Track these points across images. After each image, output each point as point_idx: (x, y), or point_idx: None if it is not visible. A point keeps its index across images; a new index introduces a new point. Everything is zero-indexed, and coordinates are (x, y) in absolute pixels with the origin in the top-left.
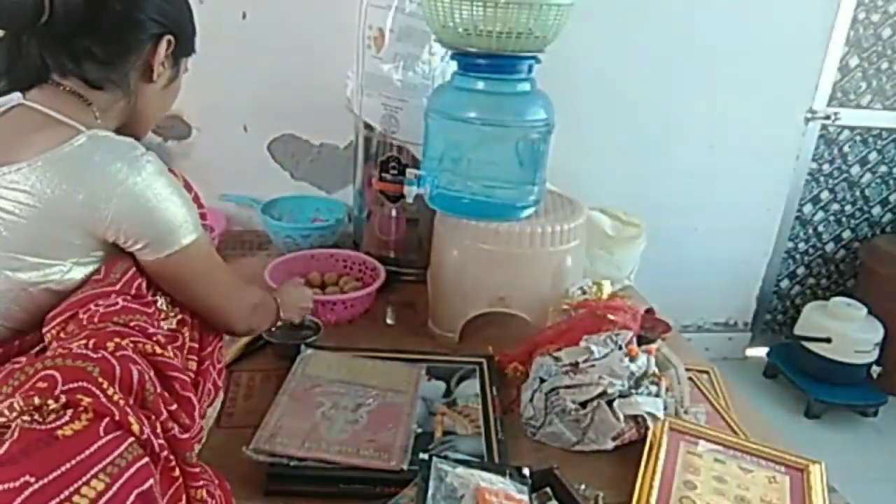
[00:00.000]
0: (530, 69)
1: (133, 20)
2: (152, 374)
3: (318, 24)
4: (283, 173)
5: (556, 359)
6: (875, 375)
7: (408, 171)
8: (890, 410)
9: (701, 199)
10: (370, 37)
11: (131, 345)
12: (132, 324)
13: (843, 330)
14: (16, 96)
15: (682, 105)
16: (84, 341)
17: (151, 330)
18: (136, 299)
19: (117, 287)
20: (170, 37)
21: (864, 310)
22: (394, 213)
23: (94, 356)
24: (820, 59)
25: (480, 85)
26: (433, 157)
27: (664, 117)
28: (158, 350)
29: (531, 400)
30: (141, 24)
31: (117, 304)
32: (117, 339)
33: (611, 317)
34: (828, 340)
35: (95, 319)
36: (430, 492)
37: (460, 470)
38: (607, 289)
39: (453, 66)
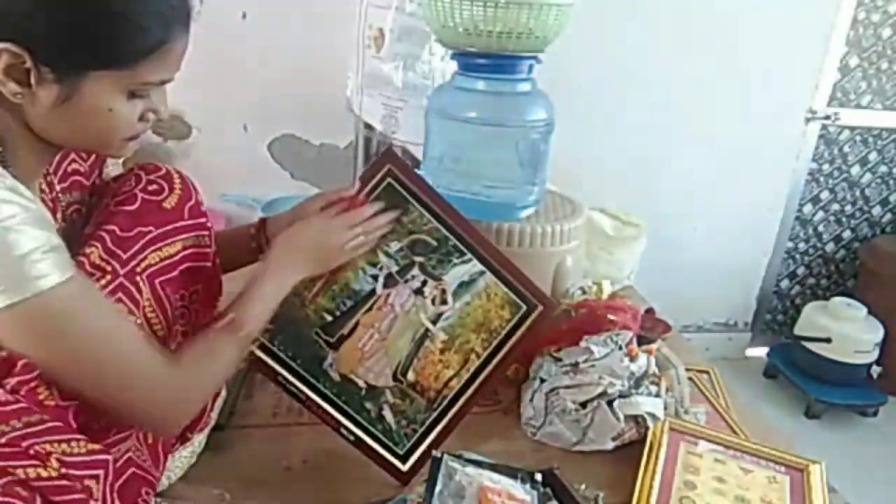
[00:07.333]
0: (530, 69)
1: None
2: None
3: (318, 24)
4: (283, 173)
5: (556, 359)
6: (875, 375)
7: None
8: (890, 410)
9: (701, 200)
10: (370, 37)
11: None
12: (3, 439)
13: (843, 330)
14: None
15: (682, 105)
16: None
17: (26, 442)
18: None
19: None
20: (6, 46)
21: (864, 310)
22: None
23: None
24: (820, 59)
25: (480, 85)
26: (433, 157)
27: (664, 117)
28: (40, 473)
29: (531, 400)
30: None
31: None
32: None
33: (611, 317)
34: (828, 340)
35: None
36: (437, 488)
37: (469, 469)
38: (607, 289)
39: (453, 66)
